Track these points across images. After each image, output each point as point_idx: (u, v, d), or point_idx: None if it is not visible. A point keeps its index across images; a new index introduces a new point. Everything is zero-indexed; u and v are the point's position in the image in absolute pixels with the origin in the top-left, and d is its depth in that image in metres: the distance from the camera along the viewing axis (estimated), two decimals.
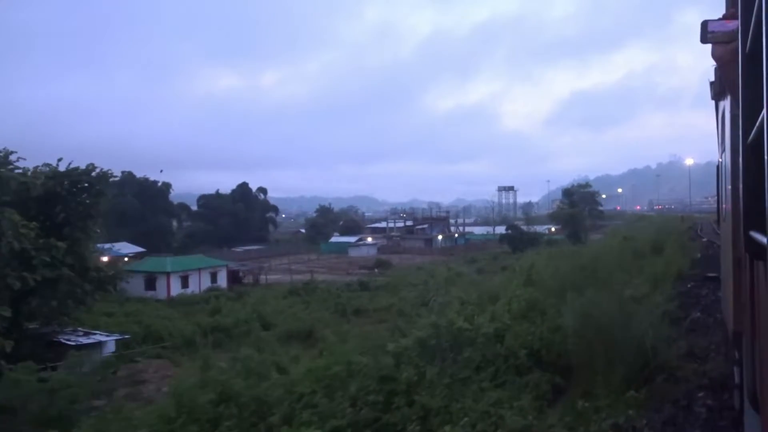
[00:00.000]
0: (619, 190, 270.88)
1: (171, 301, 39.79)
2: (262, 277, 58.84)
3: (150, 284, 44.96)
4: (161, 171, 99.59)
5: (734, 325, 3.42)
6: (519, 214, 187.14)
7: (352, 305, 34.63)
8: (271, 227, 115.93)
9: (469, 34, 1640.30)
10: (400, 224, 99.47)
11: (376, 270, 60.20)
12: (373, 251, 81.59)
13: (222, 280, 49.44)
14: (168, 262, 46.76)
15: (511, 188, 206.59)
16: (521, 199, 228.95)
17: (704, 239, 34.87)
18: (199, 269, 47.51)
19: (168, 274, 44.44)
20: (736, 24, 1.63)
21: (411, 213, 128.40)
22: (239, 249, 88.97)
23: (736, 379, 4.41)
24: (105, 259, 58.47)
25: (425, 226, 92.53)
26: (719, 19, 2.01)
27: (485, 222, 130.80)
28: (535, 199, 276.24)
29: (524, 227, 74.62)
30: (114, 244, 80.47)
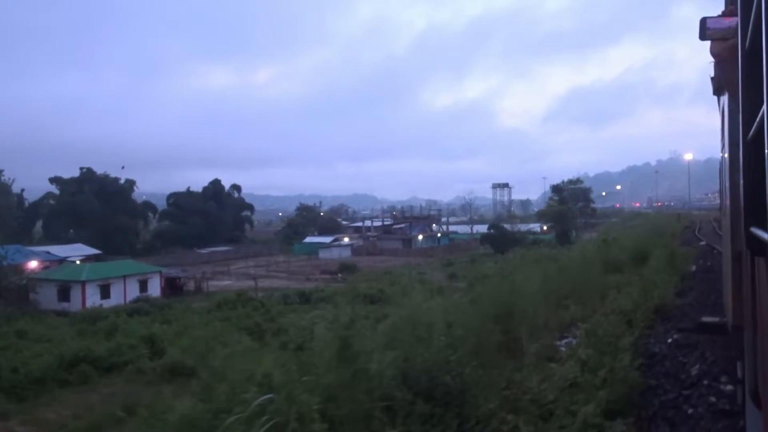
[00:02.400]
0: (618, 187, 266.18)
1: (76, 316, 33.74)
2: (213, 284, 52.98)
3: (64, 295, 39.05)
4: (123, 167, 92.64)
5: (734, 319, 3.44)
6: (515, 211, 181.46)
7: (276, 324, 28.64)
8: (247, 227, 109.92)
9: (465, 29, 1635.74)
10: (378, 223, 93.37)
11: (339, 275, 54.20)
12: (346, 253, 75.54)
13: (154, 289, 43.41)
14: (85, 269, 40.78)
15: (506, 185, 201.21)
16: (520, 197, 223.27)
17: (702, 242, 28.76)
18: (125, 277, 41.44)
19: (83, 283, 38.45)
20: (734, 21, 1.65)
21: (402, 211, 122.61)
22: (205, 250, 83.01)
23: (739, 374, 4.16)
24: (34, 264, 52.67)
25: (403, 225, 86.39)
26: (718, 16, 1.97)
27: (481, 220, 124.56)
28: (533, 197, 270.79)
29: (508, 226, 68.43)
30: (66, 246, 75.12)
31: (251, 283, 53.94)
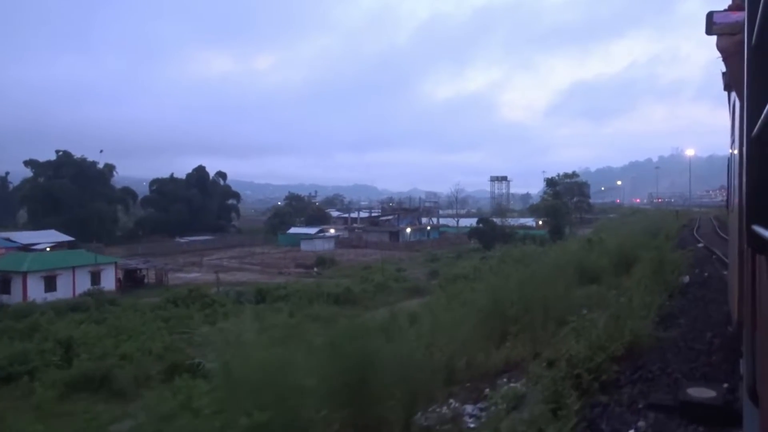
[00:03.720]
0: (619, 183, 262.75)
1: (7, 311, 30.56)
2: (179, 276, 49.94)
3: (3, 286, 35.84)
4: (101, 151, 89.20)
5: (738, 316, 3.53)
6: (513, 205, 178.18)
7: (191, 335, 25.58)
8: (235, 216, 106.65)
9: (468, 19, 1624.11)
10: (365, 215, 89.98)
11: (315, 269, 51.01)
12: (329, 245, 72.27)
13: (108, 281, 40.18)
14: (27, 258, 37.54)
15: (504, 178, 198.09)
16: (520, 191, 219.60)
17: (700, 244, 25.49)
18: (74, 268, 38.19)
19: (24, 274, 35.25)
20: (741, 15, 1.66)
21: (400, 203, 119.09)
22: (185, 239, 79.86)
23: (741, 371, 3.98)
24: None
25: (391, 217, 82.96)
26: (724, 11, 1.96)
27: (479, 214, 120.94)
28: (534, 191, 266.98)
29: (498, 221, 65.10)
30: (36, 232, 71.91)
31: (221, 275, 50.88)
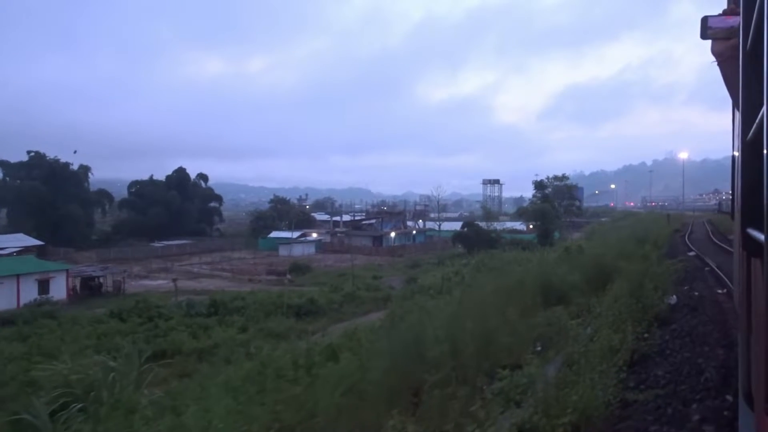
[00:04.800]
0: (613, 186, 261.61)
1: None
2: (142, 283, 47.21)
3: None
4: (75, 152, 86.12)
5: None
6: (506, 208, 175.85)
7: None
8: (216, 219, 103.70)
9: (461, 21, 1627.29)
10: (348, 218, 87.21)
11: (287, 276, 48.22)
12: (309, 250, 69.48)
13: (58, 290, 37.27)
14: None
15: (497, 181, 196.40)
16: (513, 194, 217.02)
17: (692, 252, 22.94)
18: (18, 276, 35.30)
19: None
20: (736, 20, 1.67)
21: (394, 206, 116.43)
22: (160, 244, 76.90)
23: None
24: None
25: (373, 221, 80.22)
26: (719, 15, 1.99)
27: (471, 217, 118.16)
28: (528, 194, 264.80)
29: (483, 224, 62.45)
30: (4, 236, 68.81)
31: (187, 283, 48.11)
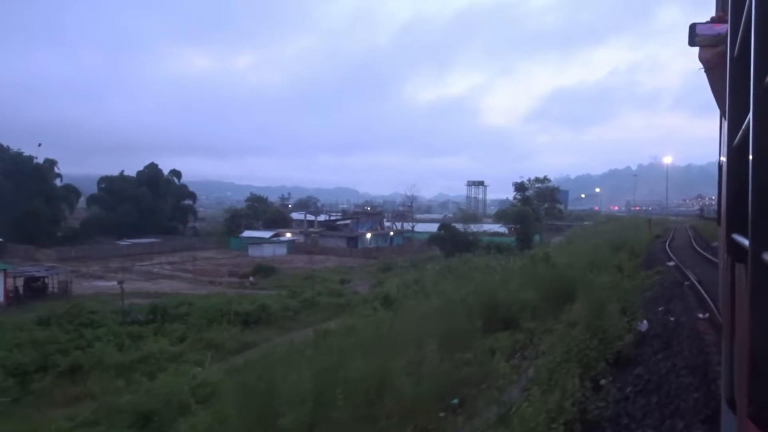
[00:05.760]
0: (597, 190, 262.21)
1: None
2: (95, 284, 44.45)
3: None
4: (39, 145, 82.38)
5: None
6: (491, 210, 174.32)
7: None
8: (191, 217, 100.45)
9: (449, 21, 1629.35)
10: (322, 218, 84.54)
11: (250, 279, 45.57)
12: (281, 250, 66.78)
13: None
14: None
15: (481, 183, 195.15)
16: (500, 196, 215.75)
17: (672, 262, 20.77)
18: None
19: None
20: (724, 27, 1.70)
21: (378, 206, 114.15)
22: (127, 242, 73.75)
23: None
24: None
25: (348, 221, 77.61)
26: (708, 22, 1.99)
27: (453, 218, 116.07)
28: (513, 196, 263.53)
29: (460, 226, 60.22)
30: None
31: (143, 285, 45.39)
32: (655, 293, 12.89)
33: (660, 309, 10.94)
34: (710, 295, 11.64)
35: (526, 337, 9.42)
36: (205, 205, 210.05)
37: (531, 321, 9.97)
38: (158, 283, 45.26)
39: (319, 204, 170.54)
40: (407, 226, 78.04)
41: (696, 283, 13.81)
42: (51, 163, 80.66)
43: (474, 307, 10.37)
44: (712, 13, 2.26)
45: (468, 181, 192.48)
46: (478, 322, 9.53)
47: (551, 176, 76.58)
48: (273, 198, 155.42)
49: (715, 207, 17.92)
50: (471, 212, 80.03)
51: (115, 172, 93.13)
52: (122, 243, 72.57)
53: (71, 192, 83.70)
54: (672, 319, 9.67)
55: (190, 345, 23.53)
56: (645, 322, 9.66)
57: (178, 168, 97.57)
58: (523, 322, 9.93)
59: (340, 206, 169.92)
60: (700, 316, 9.83)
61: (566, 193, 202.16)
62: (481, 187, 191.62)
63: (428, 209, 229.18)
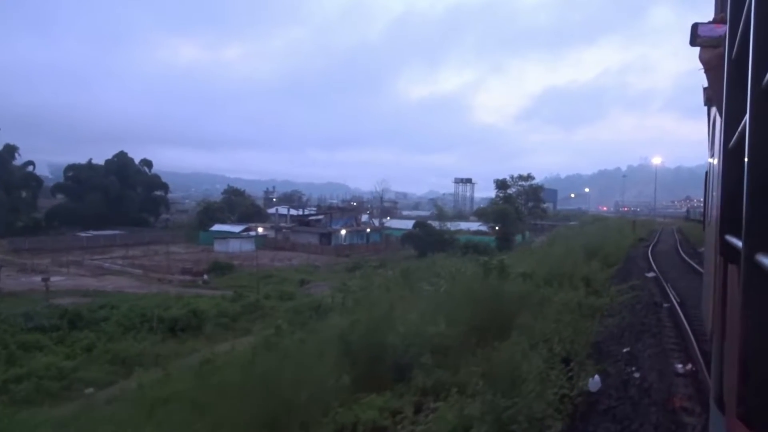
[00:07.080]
0: (587, 190, 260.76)
1: None
2: (34, 280, 40.87)
3: None
4: None
5: (712, 324, 3.40)
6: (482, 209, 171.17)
7: None
8: (162, 208, 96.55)
9: (441, 16, 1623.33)
10: (294, 212, 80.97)
11: (203, 277, 42.13)
12: (248, 246, 63.23)
13: None
14: None
15: (469, 180, 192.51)
16: (489, 194, 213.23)
17: (652, 273, 17.63)
18: None
19: None
20: (725, 29, 1.67)
21: (368, 202, 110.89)
22: (87, 234, 69.98)
23: None
24: None
25: (321, 217, 74.20)
26: (709, 23, 1.99)
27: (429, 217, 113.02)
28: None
29: (437, 224, 57.03)
30: None
31: (86, 281, 41.86)
32: (622, 321, 9.68)
33: (624, 351, 7.72)
34: (694, 326, 8.43)
35: (418, 400, 6.16)
36: (193, 196, 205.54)
37: (433, 370, 6.70)
38: (103, 280, 41.74)
39: (304, 198, 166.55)
40: (388, 223, 74.72)
41: (677, 306, 10.61)
42: (11, 149, 76.56)
43: (355, 345, 7.12)
44: (703, 14, 2.22)
45: (455, 179, 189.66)
46: (347, 375, 6.27)
47: (542, 175, 74.36)
48: (260, 192, 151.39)
49: (701, 209, 15.00)
50: (448, 210, 76.77)
51: (102, 162, 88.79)
52: (83, 235, 68.72)
53: (33, 180, 79.58)
54: (637, 375, 6.44)
55: (92, 358, 20.12)
56: (597, 377, 6.44)
57: (170, 159, 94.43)
58: (419, 372, 6.66)
59: (329, 201, 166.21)
60: (679, 369, 6.61)
61: (555, 192, 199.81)
62: (468, 184, 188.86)
63: (416, 206, 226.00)
